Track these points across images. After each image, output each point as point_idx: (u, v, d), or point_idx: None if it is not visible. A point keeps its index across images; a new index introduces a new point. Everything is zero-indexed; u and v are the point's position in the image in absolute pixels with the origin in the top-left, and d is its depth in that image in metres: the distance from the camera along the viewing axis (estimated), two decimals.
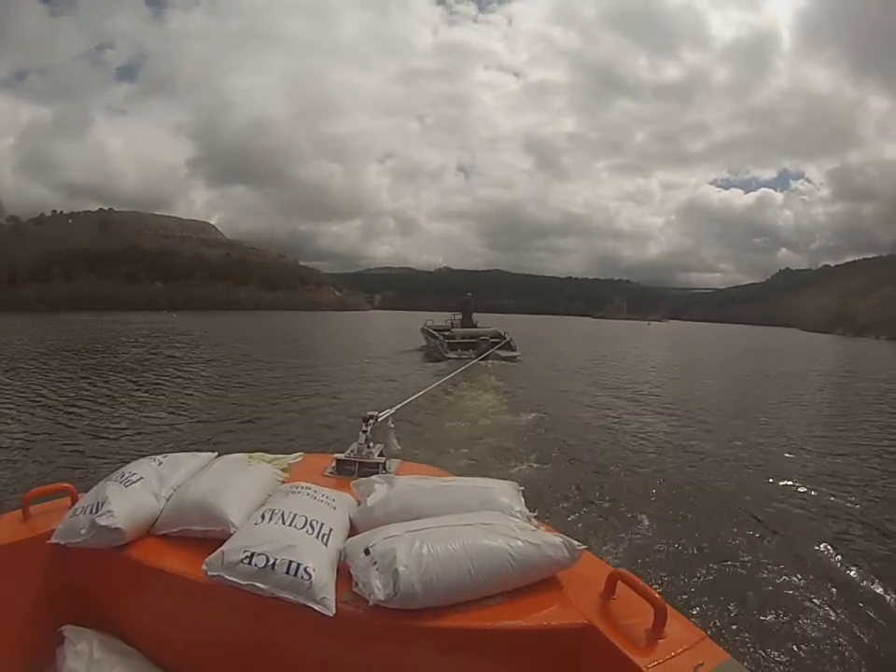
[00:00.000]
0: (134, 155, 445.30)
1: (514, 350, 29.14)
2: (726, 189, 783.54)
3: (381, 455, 3.78)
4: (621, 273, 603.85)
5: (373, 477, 3.14)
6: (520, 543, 2.33)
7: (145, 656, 2.60)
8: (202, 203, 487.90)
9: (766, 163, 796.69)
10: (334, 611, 2.16)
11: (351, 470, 3.57)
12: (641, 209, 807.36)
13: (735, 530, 7.03)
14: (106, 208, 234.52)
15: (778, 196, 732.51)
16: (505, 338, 29.88)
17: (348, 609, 2.21)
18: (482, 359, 24.22)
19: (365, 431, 3.90)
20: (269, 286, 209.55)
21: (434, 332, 31.06)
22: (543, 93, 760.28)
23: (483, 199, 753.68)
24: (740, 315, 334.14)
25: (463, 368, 16.77)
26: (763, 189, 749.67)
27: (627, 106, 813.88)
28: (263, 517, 2.51)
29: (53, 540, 2.61)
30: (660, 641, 1.95)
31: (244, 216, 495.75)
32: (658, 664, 1.86)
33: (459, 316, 33.58)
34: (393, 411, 4.58)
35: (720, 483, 8.86)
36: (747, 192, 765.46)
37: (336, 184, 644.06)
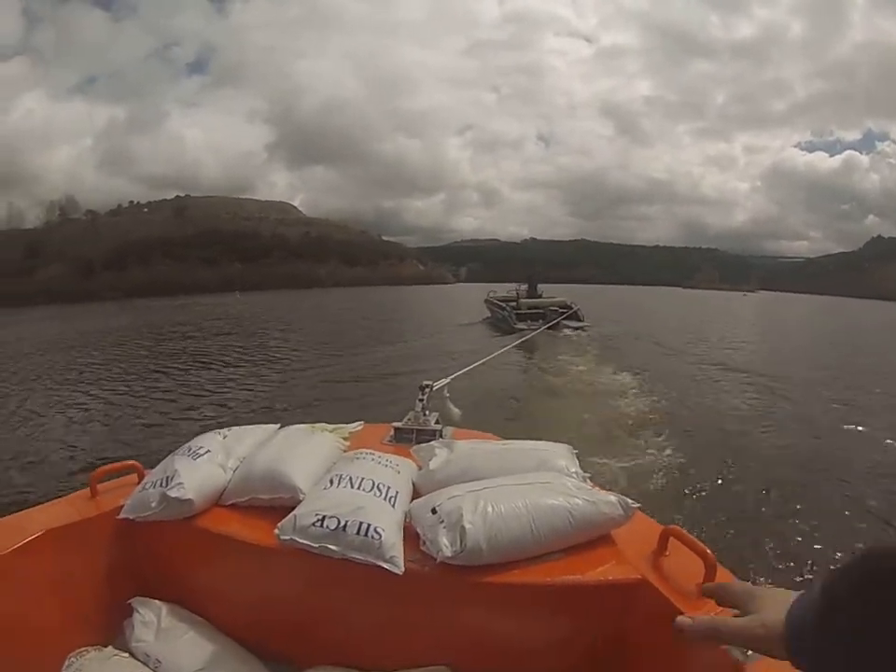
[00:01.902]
0: (212, 144, 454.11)
1: (582, 320, 29.09)
2: (811, 152, 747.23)
3: (437, 422, 3.81)
4: (707, 241, 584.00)
5: (433, 442, 3.16)
6: (578, 501, 2.38)
7: (212, 624, 2.62)
8: (283, 186, 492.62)
9: (850, 124, 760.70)
10: (403, 570, 2.20)
11: (409, 438, 3.61)
12: (725, 174, 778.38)
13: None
14: (183, 195, 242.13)
15: (864, 159, 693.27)
16: (572, 308, 29.68)
17: (416, 568, 2.23)
18: (548, 328, 24.13)
19: (421, 399, 3.92)
20: (350, 262, 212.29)
21: (500, 303, 31.16)
22: (616, 57, 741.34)
23: (564, 167, 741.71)
24: (833, 285, 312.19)
25: (527, 337, 17.00)
26: (848, 152, 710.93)
27: (703, 67, 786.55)
28: (332, 482, 2.54)
29: (122, 515, 2.65)
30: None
31: (326, 195, 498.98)
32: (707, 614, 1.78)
33: (525, 287, 33.37)
34: (448, 380, 4.49)
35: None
36: (832, 155, 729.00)
37: (416, 159, 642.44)
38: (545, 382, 15.10)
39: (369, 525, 2.24)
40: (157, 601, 2.62)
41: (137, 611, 2.58)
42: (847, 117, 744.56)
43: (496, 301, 32.10)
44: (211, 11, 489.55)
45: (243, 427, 3.28)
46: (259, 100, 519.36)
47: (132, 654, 2.46)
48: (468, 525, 2.17)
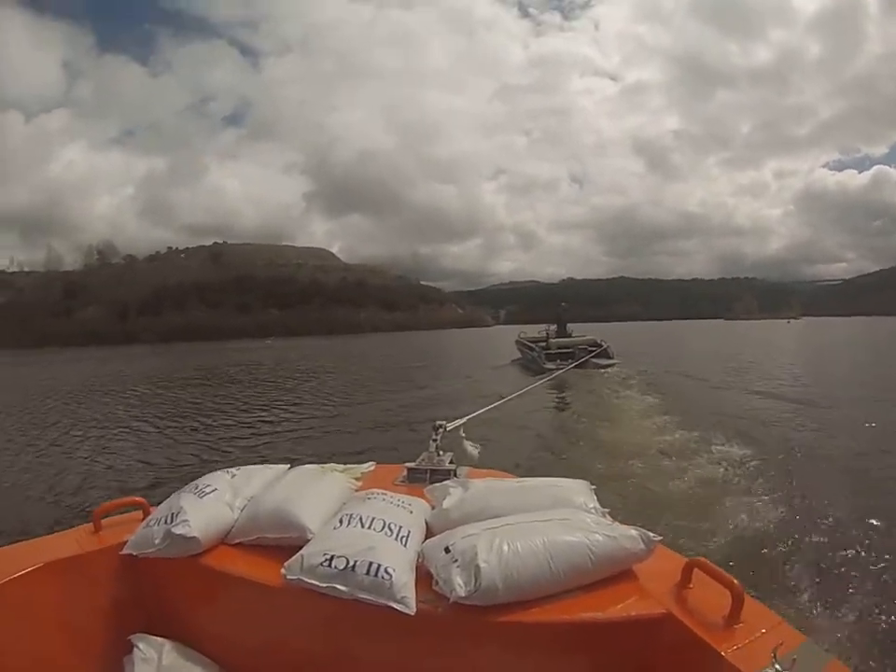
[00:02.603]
0: (250, 194, 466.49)
1: (612, 358, 28.48)
2: (840, 170, 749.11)
3: (451, 462, 3.72)
4: (745, 271, 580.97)
5: (446, 482, 3.10)
6: (598, 537, 2.34)
7: (215, 663, 2.59)
8: (322, 234, 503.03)
9: (876, 138, 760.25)
10: (415, 610, 2.14)
11: (422, 478, 3.52)
12: (758, 202, 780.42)
13: None
14: (221, 241, 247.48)
15: (893, 172, 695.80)
16: (602, 346, 29.53)
17: (428, 608, 2.17)
18: (577, 367, 24.50)
19: (435, 440, 3.90)
20: (388, 306, 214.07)
21: (530, 344, 31.01)
22: (642, 93, 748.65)
23: (598, 206, 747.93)
24: (876, 305, 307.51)
25: (553, 376, 17.47)
26: (877, 167, 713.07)
27: (726, 96, 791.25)
28: (341, 522, 2.51)
29: (126, 551, 2.63)
30: (738, 626, 1.97)
31: (363, 242, 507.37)
32: (737, 648, 1.88)
33: (554, 327, 33.03)
34: (464, 420, 4.52)
35: None
36: (861, 172, 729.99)
37: (451, 204, 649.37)
38: (575, 420, 14.52)
39: (379, 566, 2.18)
40: (159, 638, 2.56)
41: (138, 648, 2.52)
42: (873, 131, 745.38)
43: (526, 343, 31.95)
44: (245, 66, 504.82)
45: (252, 466, 3.25)
46: (295, 152, 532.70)
47: None
48: (482, 564, 2.11)
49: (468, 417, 4.60)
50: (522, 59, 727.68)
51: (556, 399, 18.33)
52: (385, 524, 2.44)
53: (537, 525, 2.38)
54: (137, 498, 3.01)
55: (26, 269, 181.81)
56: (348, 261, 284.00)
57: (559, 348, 29.40)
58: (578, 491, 2.87)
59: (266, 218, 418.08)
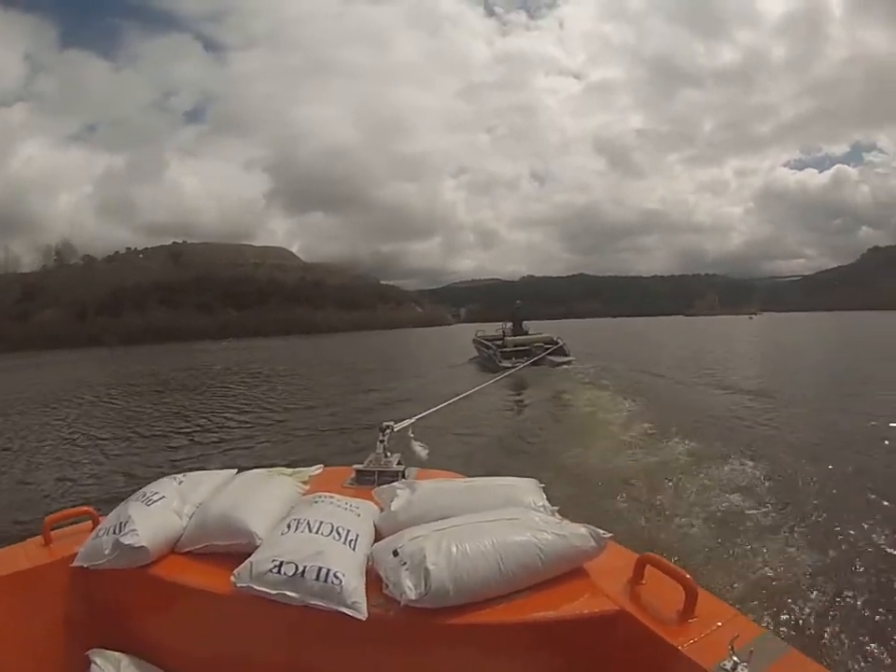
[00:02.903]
0: (212, 192, 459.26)
1: (568, 355, 28.41)
2: (800, 169, 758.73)
3: (399, 463, 3.75)
4: (706, 268, 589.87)
5: (394, 483, 3.13)
6: (547, 535, 2.37)
7: None
8: (283, 233, 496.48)
9: (837, 138, 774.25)
10: (366, 615, 2.17)
11: (370, 480, 3.55)
12: (719, 200, 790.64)
13: None
14: (180, 241, 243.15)
15: (853, 171, 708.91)
16: (558, 343, 29.24)
17: (380, 612, 2.20)
18: (533, 364, 24.19)
19: (382, 441, 3.88)
20: (347, 306, 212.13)
21: (486, 342, 30.67)
22: (606, 92, 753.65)
23: (560, 204, 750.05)
24: (835, 300, 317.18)
25: (507, 374, 17.18)
26: (837, 166, 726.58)
27: (691, 96, 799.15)
28: (289, 527, 2.50)
29: (76, 563, 2.60)
30: (692, 620, 2.00)
31: (324, 241, 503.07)
32: (693, 642, 1.91)
33: (510, 325, 32.65)
34: (412, 420, 4.47)
35: None
36: (821, 171, 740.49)
37: (413, 203, 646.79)
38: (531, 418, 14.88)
39: (328, 571, 2.22)
40: (115, 653, 2.57)
41: (95, 663, 2.53)
42: (834, 131, 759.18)
43: (482, 341, 31.68)
44: (210, 61, 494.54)
45: (199, 472, 3.27)
46: (258, 148, 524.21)
47: None
48: (431, 567, 2.15)
49: (416, 417, 4.61)
50: (487, 57, 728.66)
51: (514, 398, 18.44)
52: (333, 527, 2.47)
53: (485, 525, 2.42)
54: (86, 508, 3.00)
55: None
56: (308, 260, 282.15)
57: (515, 346, 29.15)
58: (527, 490, 2.93)
59: (227, 217, 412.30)
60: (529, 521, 2.48)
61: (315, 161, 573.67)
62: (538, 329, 33.68)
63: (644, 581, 2.23)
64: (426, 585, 2.13)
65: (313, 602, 2.18)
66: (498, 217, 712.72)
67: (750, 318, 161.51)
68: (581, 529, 2.43)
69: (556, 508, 2.81)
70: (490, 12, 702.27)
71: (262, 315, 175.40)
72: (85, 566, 2.58)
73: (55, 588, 2.65)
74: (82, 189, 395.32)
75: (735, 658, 1.74)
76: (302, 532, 2.44)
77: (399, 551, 2.29)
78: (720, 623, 1.98)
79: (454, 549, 2.23)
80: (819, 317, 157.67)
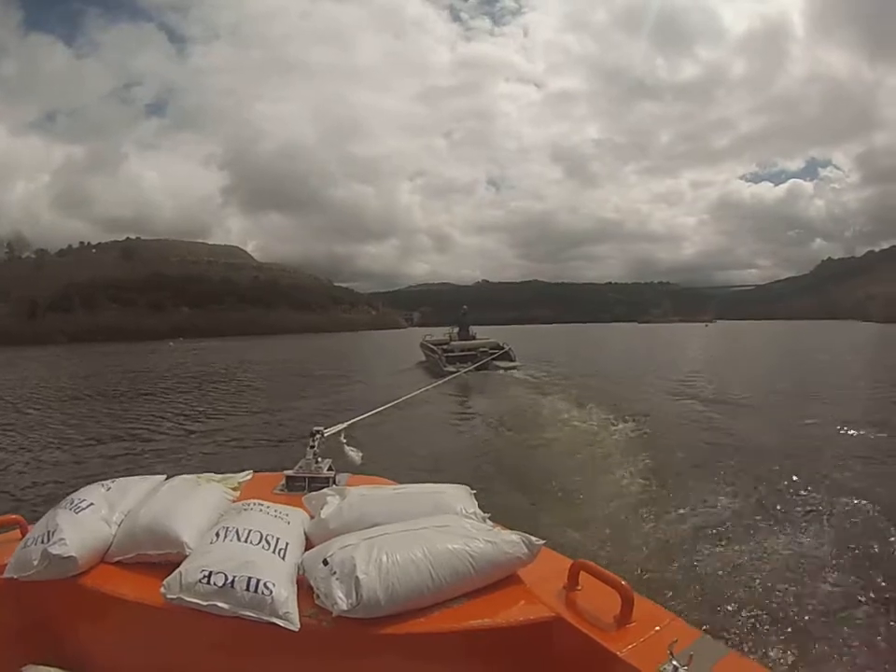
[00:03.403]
0: (169, 187, 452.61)
1: (513, 360, 29.10)
2: (756, 183, 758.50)
3: (330, 469, 3.72)
4: (659, 276, 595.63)
5: (324, 490, 3.07)
6: (478, 543, 2.35)
7: None
8: (237, 231, 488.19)
9: (793, 154, 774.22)
10: (298, 626, 2.11)
11: (301, 486, 3.51)
12: (673, 210, 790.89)
13: None
14: (134, 237, 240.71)
15: (808, 186, 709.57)
16: (504, 348, 29.70)
17: (312, 623, 2.15)
18: (476, 370, 23.55)
19: (312, 447, 3.80)
20: (301, 307, 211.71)
21: (433, 347, 30.92)
22: (565, 101, 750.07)
23: (515, 211, 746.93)
24: (790, 310, 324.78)
25: (448, 379, 15.96)
26: (792, 181, 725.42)
27: (649, 109, 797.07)
28: (218, 535, 2.44)
29: (6, 575, 2.51)
30: (630, 626, 1.99)
31: (279, 241, 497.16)
32: (632, 647, 1.89)
33: (457, 330, 32.56)
34: (344, 425, 4.38)
35: None
36: (776, 185, 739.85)
37: (369, 205, 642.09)
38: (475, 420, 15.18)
39: (258, 581, 2.19)
40: (51, 669, 2.51)
41: None
42: (791, 147, 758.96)
43: (429, 345, 31.83)
44: (172, 53, 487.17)
45: (127, 478, 3.18)
46: (216, 144, 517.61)
47: None
48: (362, 576, 2.14)
49: (349, 422, 4.54)
50: (448, 61, 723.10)
51: (458, 402, 18.88)
52: (262, 536, 2.43)
53: (416, 533, 2.40)
54: (14, 516, 2.92)
55: None
56: (263, 260, 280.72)
57: (461, 351, 29.21)
58: (457, 497, 2.90)
59: (183, 213, 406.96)
60: (460, 528, 2.48)
61: (272, 160, 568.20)
62: (490, 334, 34.08)
63: (580, 588, 2.25)
64: (357, 595, 2.11)
65: (244, 613, 2.16)
66: (454, 222, 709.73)
67: (706, 325, 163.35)
68: (513, 536, 2.43)
69: (488, 515, 2.81)
70: (455, 17, 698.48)
71: (215, 315, 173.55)
72: (14, 577, 2.51)
73: None
74: (39, 178, 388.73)
75: (675, 662, 1.75)
76: (231, 541, 2.41)
77: (328, 560, 2.27)
78: (657, 628, 2.00)
79: (384, 557, 2.22)
80: (770, 325, 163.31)
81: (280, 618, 2.12)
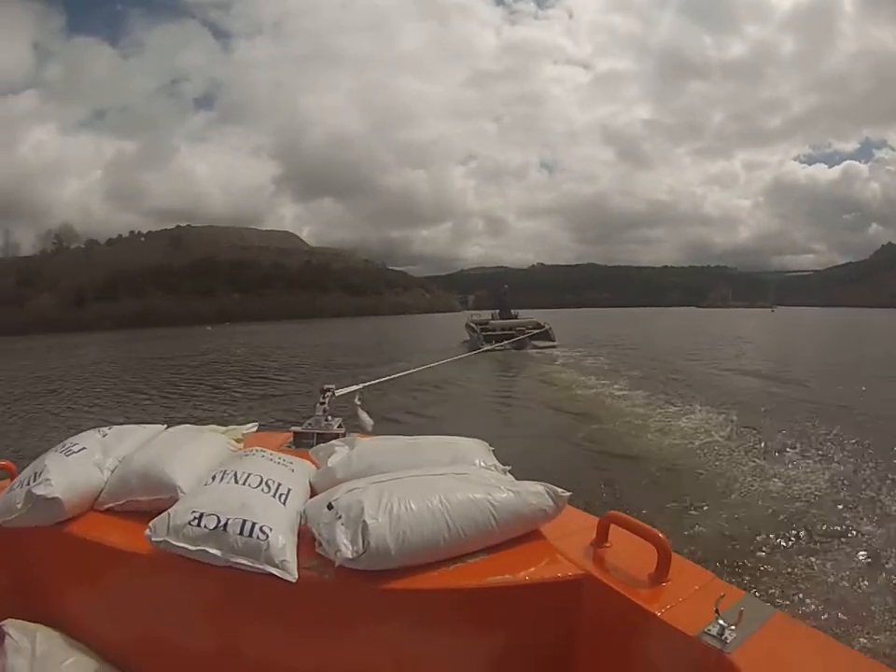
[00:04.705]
0: (220, 178, 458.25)
1: (553, 340, 30.21)
2: (810, 164, 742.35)
3: (340, 426, 3.64)
4: (713, 260, 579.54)
5: (332, 441, 2.94)
6: (500, 492, 2.20)
7: (93, 650, 2.39)
8: (291, 218, 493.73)
9: (846, 134, 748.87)
10: (296, 576, 1.98)
11: (309, 443, 3.38)
12: (727, 192, 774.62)
13: None
14: (184, 225, 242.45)
15: (863, 168, 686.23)
16: (544, 328, 31.04)
17: (312, 576, 2.01)
18: (515, 348, 25.96)
19: (323, 403, 3.79)
20: (353, 291, 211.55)
21: (473, 326, 32.80)
22: (614, 83, 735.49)
23: (568, 193, 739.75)
24: (848, 297, 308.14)
25: (472, 354, 18.57)
26: (847, 162, 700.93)
27: (699, 88, 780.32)
28: (214, 478, 2.33)
29: None
30: (667, 584, 1.87)
31: (333, 227, 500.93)
32: (671, 607, 1.78)
33: (498, 310, 35.43)
34: (359, 387, 4.37)
35: None
36: (831, 167, 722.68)
37: (422, 189, 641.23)
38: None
39: (254, 524, 2.01)
40: (32, 624, 2.38)
41: (10, 636, 2.33)
42: (844, 127, 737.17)
43: (471, 325, 33.48)
44: (216, 49, 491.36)
45: (126, 425, 3.03)
46: (266, 135, 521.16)
47: None
48: (370, 521, 1.94)
49: (363, 385, 4.41)
50: (495, 46, 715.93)
51: (497, 376, 20.03)
52: (262, 479, 2.26)
53: (432, 478, 2.22)
54: (3, 462, 2.78)
55: None
56: (316, 245, 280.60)
57: (501, 330, 30.29)
58: (475, 449, 2.72)
59: (235, 202, 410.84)
60: (481, 477, 2.32)
61: (322, 148, 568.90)
62: (542, 317, 34.78)
63: (609, 544, 2.08)
64: (363, 542, 1.92)
65: (237, 561, 1.98)
66: (507, 205, 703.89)
67: (772, 311, 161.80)
68: (538, 487, 2.25)
69: (508, 467, 2.61)
70: (499, 1, 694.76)
71: (265, 299, 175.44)
72: None
73: None
74: (91, 174, 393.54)
75: (721, 621, 1.60)
76: (228, 483, 2.24)
77: (333, 504, 2.08)
78: (697, 587, 1.84)
79: (396, 503, 2.01)
80: (836, 313, 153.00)
81: (276, 566, 1.96)
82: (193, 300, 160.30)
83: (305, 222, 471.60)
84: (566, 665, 2.00)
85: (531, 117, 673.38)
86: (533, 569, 2.00)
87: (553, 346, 29.00)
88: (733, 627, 1.57)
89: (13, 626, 2.34)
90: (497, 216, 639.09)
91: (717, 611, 1.59)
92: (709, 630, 1.58)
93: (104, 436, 2.81)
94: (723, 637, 1.55)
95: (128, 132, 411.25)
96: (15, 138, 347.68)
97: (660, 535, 1.88)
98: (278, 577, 1.92)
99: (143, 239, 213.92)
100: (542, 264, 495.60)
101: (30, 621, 2.38)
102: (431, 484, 2.16)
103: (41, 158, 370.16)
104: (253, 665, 2.19)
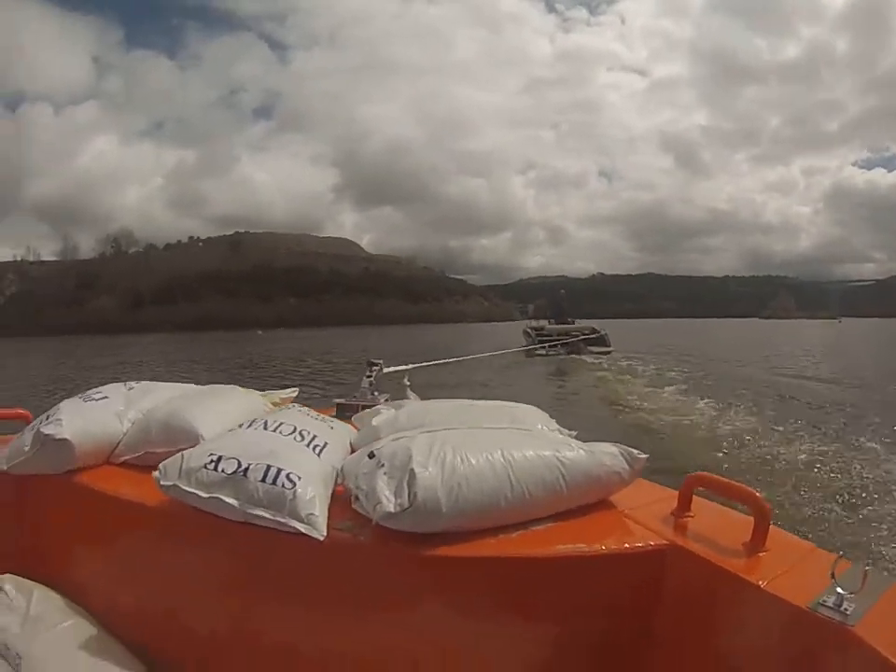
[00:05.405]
0: (280, 185, 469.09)
1: (608, 346, 30.04)
2: (869, 169, 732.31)
3: (387, 401, 3.32)
4: (774, 269, 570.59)
5: (378, 406, 2.75)
6: (570, 450, 1.90)
7: (92, 615, 2.20)
8: (351, 226, 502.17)
9: None
10: (324, 533, 1.68)
11: (352, 415, 3.03)
12: (787, 199, 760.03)
13: None
14: (243, 231, 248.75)
15: None
16: (599, 333, 31.03)
17: (345, 538, 1.72)
18: (568, 353, 27.21)
19: (369, 376, 3.62)
20: (411, 298, 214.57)
21: (530, 331, 33.62)
22: (669, 88, 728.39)
23: (627, 202, 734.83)
24: None
25: (516, 350, 20.02)
26: None
27: (754, 93, 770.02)
28: (241, 426, 2.09)
29: None
30: (765, 553, 1.63)
31: (393, 235, 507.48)
32: (775, 577, 1.54)
33: (552, 317, 36.61)
34: (409, 367, 4.24)
35: None
36: (890, 171, 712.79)
37: (482, 198, 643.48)
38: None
39: (279, 471, 1.74)
40: (29, 581, 2.22)
41: (4, 592, 2.18)
42: None
43: (527, 330, 34.51)
44: (272, 60, 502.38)
45: (157, 382, 2.86)
46: (324, 143, 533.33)
47: None
48: (418, 469, 1.64)
49: (413, 366, 4.30)
50: (549, 53, 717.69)
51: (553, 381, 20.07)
52: (295, 429, 1.99)
53: (491, 432, 1.96)
54: (21, 411, 2.66)
55: (43, 258, 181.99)
56: (376, 253, 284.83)
57: (558, 335, 30.35)
58: (536, 414, 2.46)
59: (295, 210, 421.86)
60: (546, 435, 2.13)
61: (381, 157, 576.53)
62: (601, 327, 34.55)
63: (692, 514, 1.84)
64: (409, 495, 1.61)
65: (255, 513, 1.68)
66: (567, 214, 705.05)
67: (839, 321, 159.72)
68: (611, 447, 1.96)
69: (574, 433, 2.31)
70: (551, 8, 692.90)
71: (321, 305, 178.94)
72: (4, 468, 2.26)
73: None
74: (152, 181, 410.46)
75: (839, 590, 1.37)
76: (256, 430, 1.99)
77: (375, 452, 1.80)
78: (799, 556, 1.63)
79: (450, 452, 1.72)
80: None
81: (301, 521, 1.66)
82: (251, 304, 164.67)
83: (365, 230, 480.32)
84: (642, 645, 1.71)
85: (588, 124, 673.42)
86: (609, 539, 1.73)
87: (609, 352, 28.85)
88: (852, 595, 1.34)
89: (10, 582, 2.19)
90: (557, 225, 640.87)
91: (833, 577, 1.37)
92: (824, 600, 1.36)
93: (129, 389, 2.63)
94: (843, 609, 1.33)
95: (188, 141, 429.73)
96: (76, 147, 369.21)
97: (757, 494, 1.65)
98: (304, 534, 1.63)
99: (201, 244, 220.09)
100: (603, 274, 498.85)
101: (29, 578, 2.22)
102: (491, 437, 1.87)
103: (102, 166, 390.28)
104: (269, 641, 1.90)
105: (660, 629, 1.69)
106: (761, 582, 1.48)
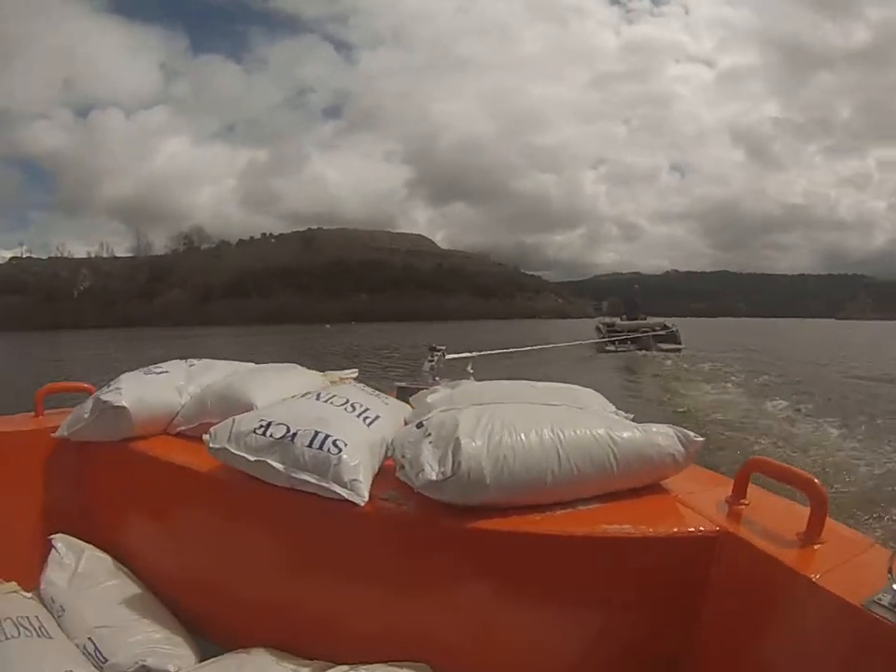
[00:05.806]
0: (352, 183, 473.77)
1: (679, 343, 29.74)
2: None
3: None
4: (850, 268, 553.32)
5: (435, 386, 2.83)
6: (623, 429, 1.89)
7: (139, 577, 2.35)
8: (424, 222, 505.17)
9: None
10: (366, 498, 1.77)
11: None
12: (862, 194, 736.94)
13: None
14: (315, 227, 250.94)
15: None
16: (670, 329, 30.79)
17: (387, 507, 1.79)
18: (638, 349, 27.30)
19: (431, 361, 3.69)
20: (483, 294, 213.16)
21: (601, 327, 33.29)
22: (738, 79, 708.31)
23: (700, 197, 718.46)
24: None
25: (583, 343, 21.26)
26: None
27: (825, 80, 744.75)
28: (294, 397, 2.21)
29: (58, 434, 2.46)
30: (820, 546, 1.59)
31: (467, 231, 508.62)
32: (828, 571, 1.49)
33: (624, 313, 35.68)
34: (473, 355, 4.35)
35: None
36: None
37: (554, 194, 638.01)
38: None
39: (326, 437, 1.82)
40: (81, 542, 2.39)
41: (56, 550, 2.35)
42: None
43: (599, 327, 33.86)
44: (339, 61, 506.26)
45: (217, 360, 2.95)
46: (395, 141, 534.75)
47: (38, 595, 2.22)
48: (464, 440, 1.67)
49: (477, 353, 4.39)
50: (615, 46, 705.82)
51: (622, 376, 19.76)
52: (347, 401, 2.06)
53: (542, 408, 1.95)
54: (85, 385, 2.73)
55: (116, 255, 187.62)
56: (451, 249, 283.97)
57: (628, 331, 30.41)
58: (594, 397, 2.49)
59: (368, 206, 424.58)
60: (599, 414, 2.08)
61: (453, 153, 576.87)
62: (680, 325, 33.92)
63: (747, 501, 1.80)
64: (453, 464, 1.64)
65: (300, 477, 1.77)
66: (640, 210, 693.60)
67: None
68: (668, 429, 1.93)
69: (631, 415, 2.27)
70: (613, 0, 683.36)
71: (393, 300, 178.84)
72: (66, 434, 2.40)
73: (32, 462, 2.48)
74: (225, 181, 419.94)
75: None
76: (309, 400, 2.08)
77: (424, 423, 1.85)
78: (856, 551, 1.58)
79: (498, 424, 1.74)
80: None
81: (344, 486, 1.75)
82: (323, 299, 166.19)
83: (439, 226, 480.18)
84: (688, 631, 1.72)
85: (658, 118, 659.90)
86: (658, 522, 1.73)
87: (679, 349, 28.49)
88: None
89: (62, 541, 2.34)
90: (631, 221, 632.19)
91: (890, 574, 1.32)
92: (880, 599, 1.32)
93: (190, 365, 2.74)
94: None
95: (259, 141, 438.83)
96: (150, 149, 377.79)
97: (815, 480, 1.59)
98: (346, 499, 1.71)
99: (273, 241, 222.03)
100: (676, 270, 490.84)
101: (82, 539, 2.36)
102: (542, 412, 1.86)
103: (175, 167, 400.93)
104: (311, 609, 1.98)
105: (707, 616, 1.67)
106: (813, 576, 1.44)
